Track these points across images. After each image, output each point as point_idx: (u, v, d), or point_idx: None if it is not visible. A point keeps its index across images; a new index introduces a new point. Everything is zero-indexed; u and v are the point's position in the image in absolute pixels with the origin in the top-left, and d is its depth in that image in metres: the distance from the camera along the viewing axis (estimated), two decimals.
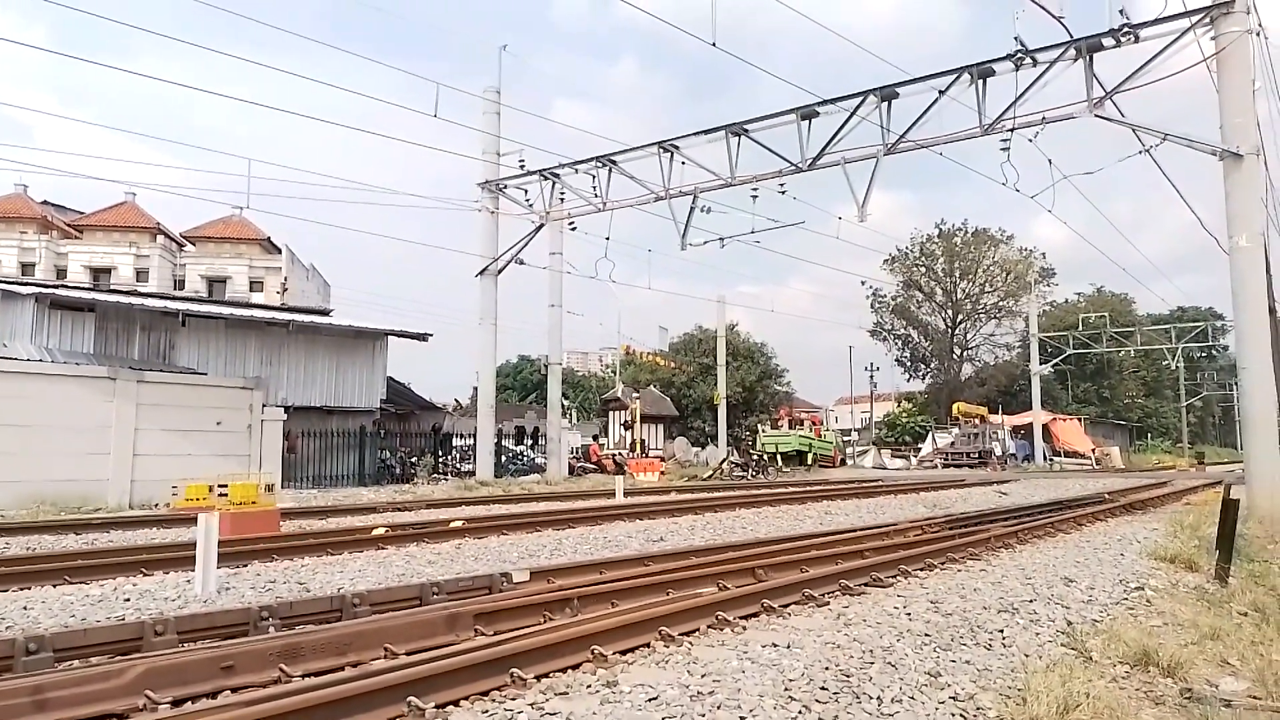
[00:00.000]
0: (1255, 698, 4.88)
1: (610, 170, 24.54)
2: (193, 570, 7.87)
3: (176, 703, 4.27)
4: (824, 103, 20.93)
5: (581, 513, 15.56)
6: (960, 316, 73.60)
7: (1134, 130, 17.67)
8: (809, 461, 44.47)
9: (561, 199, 26.69)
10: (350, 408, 28.46)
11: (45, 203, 50.24)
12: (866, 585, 7.98)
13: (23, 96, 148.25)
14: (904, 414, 68.54)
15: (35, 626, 6.11)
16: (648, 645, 5.60)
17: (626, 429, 43.64)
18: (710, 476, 35.38)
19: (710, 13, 18.44)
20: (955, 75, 19.18)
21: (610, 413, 49.97)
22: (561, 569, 8.46)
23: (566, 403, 45.01)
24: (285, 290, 46.49)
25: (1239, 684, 5.09)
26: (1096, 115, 17.84)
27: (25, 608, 6.86)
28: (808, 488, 25.35)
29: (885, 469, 49.39)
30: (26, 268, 44.58)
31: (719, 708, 4.35)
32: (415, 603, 6.82)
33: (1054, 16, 16.91)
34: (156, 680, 4.33)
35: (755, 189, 22.75)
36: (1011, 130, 18.91)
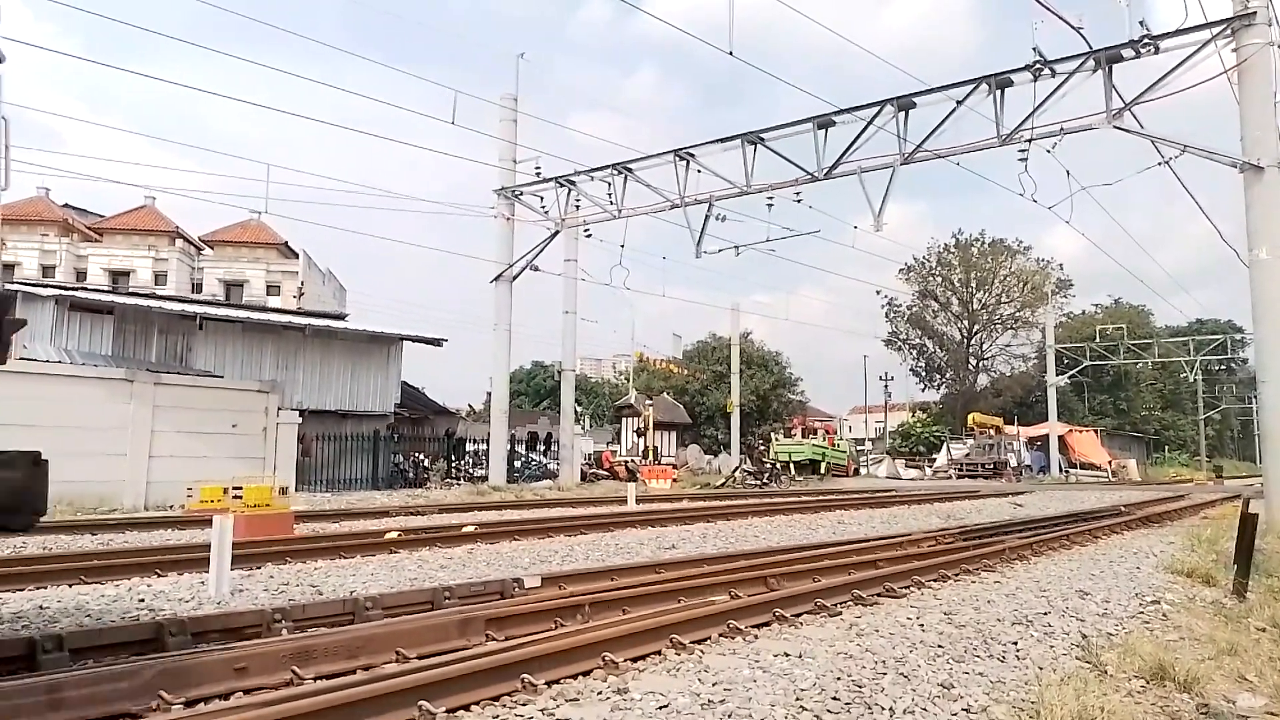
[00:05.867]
0: (1273, 714, 4.83)
1: (626, 178, 24.59)
2: (207, 572, 7.91)
3: (190, 703, 4.29)
4: (841, 112, 20.91)
5: (594, 519, 15.55)
6: (976, 327, 73.28)
7: (1153, 142, 17.56)
8: (822, 471, 44.29)
9: (577, 206, 26.75)
10: (365, 412, 28.59)
11: (66, 206, 50.73)
12: (879, 595, 7.94)
13: (56, 103, 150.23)
14: (918, 424, 68.24)
15: (51, 626, 6.16)
16: (659, 653, 5.60)
17: (639, 436, 43.65)
18: (723, 484, 35.30)
19: (728, 23, 18.49)
20: (973, 85, 19.13)
21: (623, 419, 50.00)
22: (573, 575, 8.46)
23: (579, 409, 45.04)
24: (302, 294, 46.75)
25: (1257, 700, 5.03)
26: (1115, 126, 17.75)
27: (41, 607, 6.92)
28: (821, 497, 25.26)
29: (899, 479, 49.15)
30: (47, 270, 45.02)
31: (730, 716, 4.34)
32: (427, 607, 6.83)
33: (1073, 27, 16.85)
34: (170, 681, 4.36)
35: (771, 198, 22.74)
36: (1029, 141, 18.82)
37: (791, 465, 42.28)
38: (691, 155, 23.29)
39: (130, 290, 39.31)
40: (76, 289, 29.45)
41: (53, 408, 17.80)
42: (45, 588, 7.92)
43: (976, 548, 11.26)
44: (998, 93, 18.91)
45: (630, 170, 24.50)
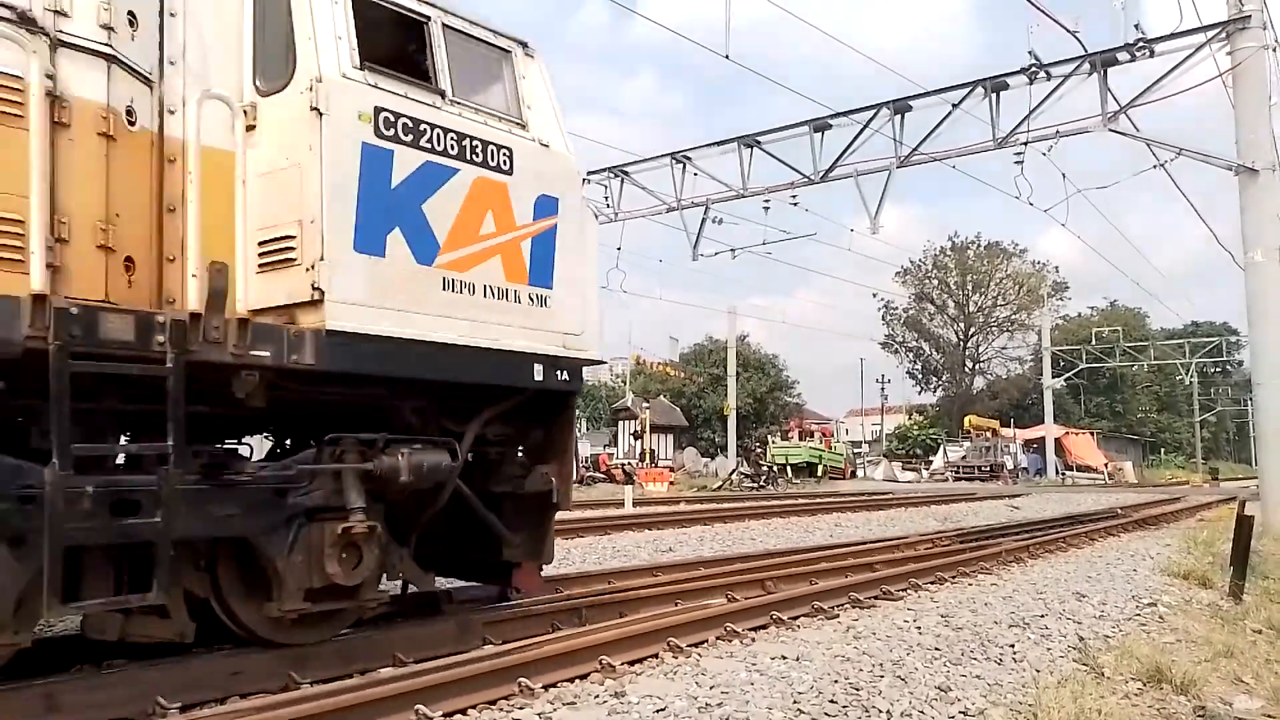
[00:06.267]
0: (1270, 716, 4.84)
1: (622, 181, 24.57)
2: None
3: (185, 708, 4.28)
4: (837, 115, 20.91)
5: (590, 522, 15.52)
6: (972, 329, 73.53)
7: (1149, 145, 17.60)
8: (819, 473, 44.34)
9: None
10: None
11: None
12: (876, 598, 7.95)
13: None
14: (915, 426, 68.36)
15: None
16: (656, 656, 5.60)
17: (636, 439, 43.62)
18: (720, 487, 35.30)
19: (725, 27, 18.54)
20: (969, 89, 19.14)
21: (620, 423, 49.94)
22: (570, 578, 8.45)
23: (576, 412, 44.98)
24: None
25: (1253, 702, 5.04)
26: (1111, 129, 17.78)
27: None
28: (817, 500, 25.24)
29: (896, 482, 49.19)
30: None
31: None
32: (424, 610, 6.81)
33: (1069, 31, 16.87)
34: (167, 686, 4.34)
35: (767, 200, 22.77)
36: (1025, 144, 18.84)
37: (788, 468, 42.30)
38: (688, 158, 23.28)
39: None
40: None
41: None
42: None
43: (973, 550, 11.27)
44: (993, 96, 18.92)
45: (627, 173, 24.49)
